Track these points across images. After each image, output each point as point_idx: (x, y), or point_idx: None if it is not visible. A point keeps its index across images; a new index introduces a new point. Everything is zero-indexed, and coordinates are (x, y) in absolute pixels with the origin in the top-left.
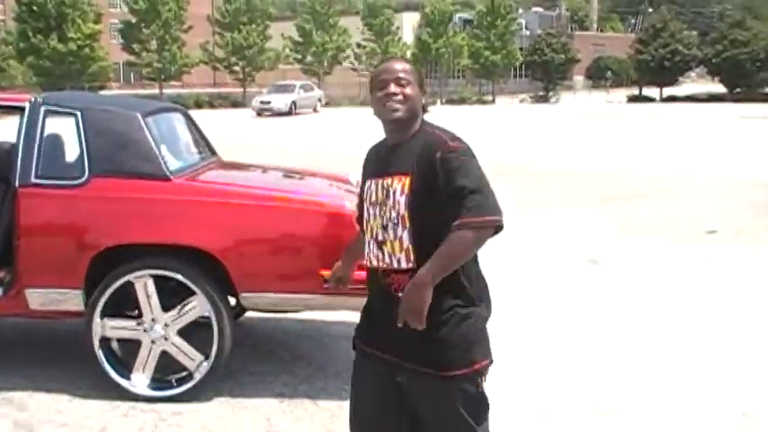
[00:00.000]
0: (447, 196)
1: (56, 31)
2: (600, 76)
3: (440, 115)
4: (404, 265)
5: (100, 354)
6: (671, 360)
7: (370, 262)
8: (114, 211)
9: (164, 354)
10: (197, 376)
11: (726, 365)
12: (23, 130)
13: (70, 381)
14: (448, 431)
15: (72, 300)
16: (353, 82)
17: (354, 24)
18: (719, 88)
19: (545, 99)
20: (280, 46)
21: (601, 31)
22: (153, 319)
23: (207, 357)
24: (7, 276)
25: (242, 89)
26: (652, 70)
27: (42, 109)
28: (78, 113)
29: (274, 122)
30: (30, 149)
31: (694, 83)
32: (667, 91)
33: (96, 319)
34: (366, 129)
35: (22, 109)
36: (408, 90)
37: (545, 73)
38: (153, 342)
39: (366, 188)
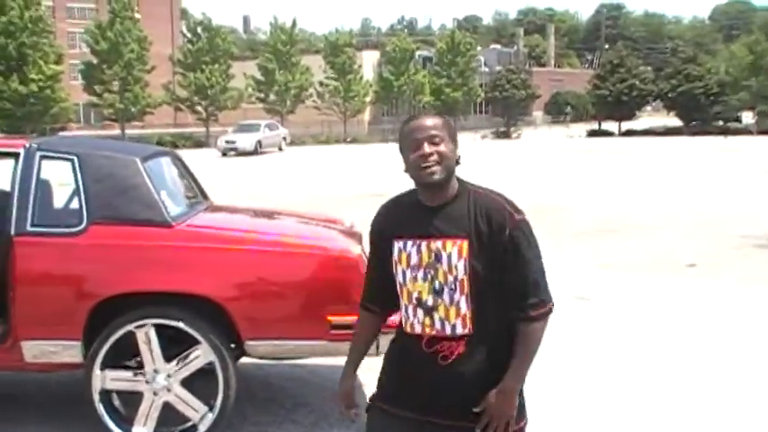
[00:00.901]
0: (512, 271)
1: (17, 72)
2: (559, 111)
3: None
4: (459, 331)
5: (100, 407)
6: (671, 393)
7: (412, 328)
8: (114, 260)
9: (166, 405)
10: (201, 428)
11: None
12: (18, 177)
13: None
14: None
15: (70, 352)
16: (316, 120)
17: (316, 63)
18: (675, 122)
19: (506, 135)
20: (242, 85)
21: (558, 67)
22: (155, 370)
23: (211, 408)
24: (1, 328)
25: (204, 129)
26: (610, 105)
27: (38, 155)
28: (75, 158)
29: (242, 162)
30: (25, 196)
31: (650, 116)
32: (625, 125)
33: (96, 371)
34: (333, 167)
35: (16, 155)
36: (443, 147)
37: (506, 109)
38: (155, 393)
39: (398, 249)
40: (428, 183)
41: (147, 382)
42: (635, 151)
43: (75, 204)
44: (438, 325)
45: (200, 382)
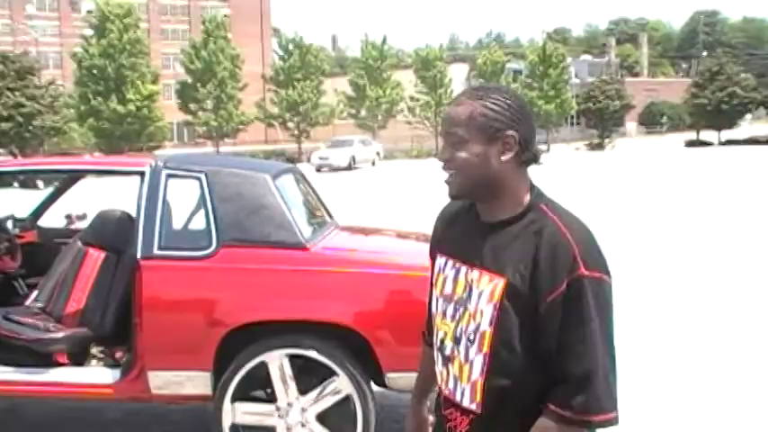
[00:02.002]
0: (550, 344)
1: (115, 93)
2: (653, 121)
3: None
4: (466, 402)
5: None
6: None
7: (437, 377)
8: (247, 285)
9: None
10: None
11: None
12: (144, 197)
13: None
14: None
15: (199, 383)
16: (406, 135)
17: (407, 78)
18: None
19: (601, 146)
20: (333, 101)
21: (652, 76)
22: (289, 404)
23: None
24: (125, 356)
25: (296, 145)
26: (709, 114)
27: (164, 173)
28: (203, 176)
29: (336, 178)
30: (151, 217)
31: (751, 125)
32: (725, 134)
33: (227, 403)
34: (429, 181)
35: (141, 173)
36: (463, 153)
37: (599, 120)
38: (288, 429)
39: (438, 267)
40: (449, 196)
41: (280, 416)
42: (741, 161)
43: (203, 225)
44: (451, 383)
45: (335, 416)
